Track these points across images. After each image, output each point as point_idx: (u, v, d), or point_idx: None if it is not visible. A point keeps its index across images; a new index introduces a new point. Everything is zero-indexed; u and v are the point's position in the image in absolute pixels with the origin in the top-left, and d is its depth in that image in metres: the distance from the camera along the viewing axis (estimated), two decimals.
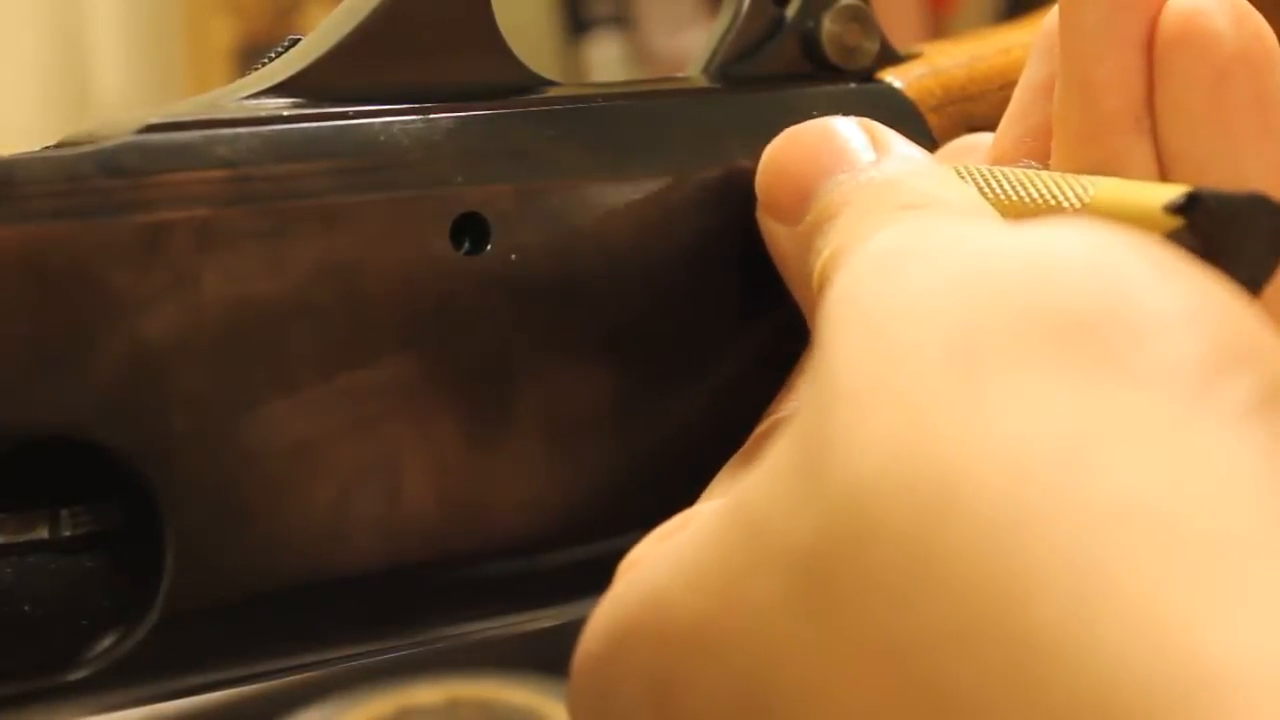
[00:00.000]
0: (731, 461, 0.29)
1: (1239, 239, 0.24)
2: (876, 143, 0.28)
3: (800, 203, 0.28)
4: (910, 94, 0.33)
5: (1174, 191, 0.25)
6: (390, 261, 0.28)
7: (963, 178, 0.28)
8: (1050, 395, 0.19)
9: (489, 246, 0.28)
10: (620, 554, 0.30)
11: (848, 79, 0.33)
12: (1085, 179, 0.26)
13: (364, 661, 0.30)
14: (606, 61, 1.41)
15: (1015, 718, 0.17)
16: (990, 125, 0.34)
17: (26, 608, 0.27)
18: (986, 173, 0.28)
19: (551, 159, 0.29)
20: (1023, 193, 0.27)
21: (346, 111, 0.28)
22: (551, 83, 0.31)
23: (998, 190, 0.27)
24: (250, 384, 0.26)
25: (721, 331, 0.31)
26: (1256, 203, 0.24)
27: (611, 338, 0.30)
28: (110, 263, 0.25)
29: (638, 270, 0.30)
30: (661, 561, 0.23)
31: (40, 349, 0.25)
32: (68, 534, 0.26)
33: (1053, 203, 0.26)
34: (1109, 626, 0.17)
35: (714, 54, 0.33)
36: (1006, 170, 0.28)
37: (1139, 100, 0.27)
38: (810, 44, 0.33)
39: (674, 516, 0.26)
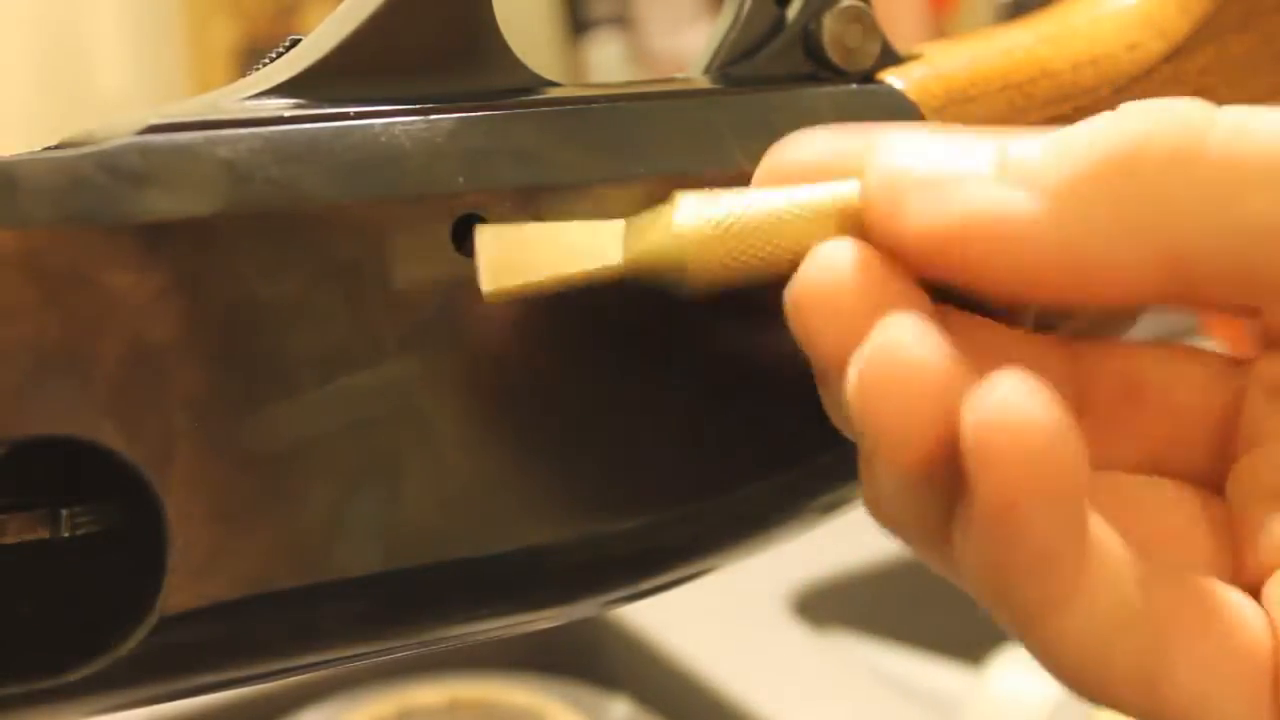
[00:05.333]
0: None
1: None
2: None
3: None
4: (911, 95, 0.33)
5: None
6: (390, 263, 0.28)
7: None
8: None
9: None
10: (620, 553, 0.30)
11: (849, 80, 0.33)
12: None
13: (364, 662, 0.30)
14: (607, 62, 1.41)
15: None
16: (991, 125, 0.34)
17: (26, 608, 0.27)
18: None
19: (552, 160, 0.29)
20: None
21: (347, 112, 0.28)
22: (552, 83, 0.31)
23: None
24: (250, 385, 0.26)
25: (722, 331, 0.31)
26: None
27: (612, 338, 0.30)
28: (110, 264, 0.25)
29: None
30: None
31: (40, 350, 0.25)
32: (67, 534, 0.26)
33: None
34: None
35: (715, 54, 0.33)
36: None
37: None
38: (811, 45, 0.33)
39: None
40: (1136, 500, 0.29)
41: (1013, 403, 0.23)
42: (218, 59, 1.35)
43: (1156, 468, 0.29)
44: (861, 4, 0.33)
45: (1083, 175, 0.26)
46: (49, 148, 0.27)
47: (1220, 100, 0.36)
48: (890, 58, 0.34)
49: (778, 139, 0.32)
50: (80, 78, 1.34)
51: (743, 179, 0.30)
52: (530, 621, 0.31)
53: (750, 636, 0.79)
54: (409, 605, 0.29)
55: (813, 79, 0.33)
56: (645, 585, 0.31)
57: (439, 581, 0.29)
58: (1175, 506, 0.29)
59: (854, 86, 0.33)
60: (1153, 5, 0.36)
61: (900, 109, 0.33)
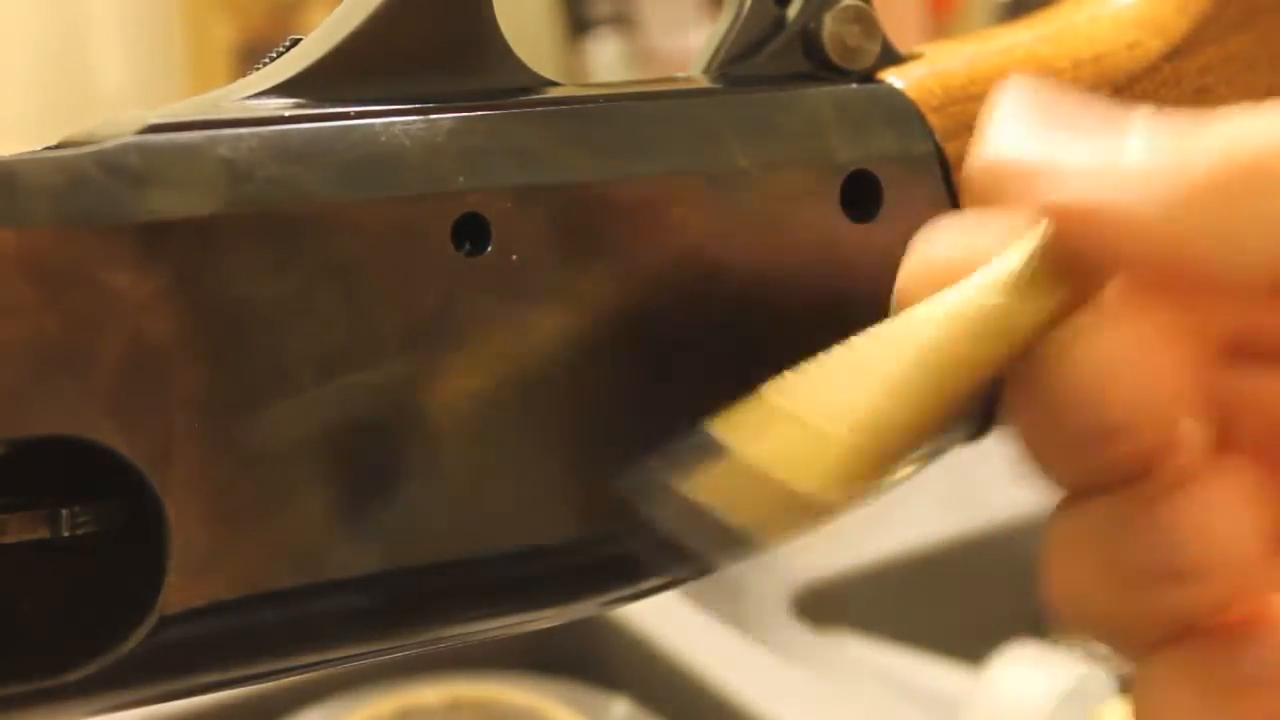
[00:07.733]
0: None
1: None
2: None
3: None
4: (911, 94, 0.33)
5: None
6: (390, 262, 0.28)
7: None
8: None
9: (489, 248, 0.28)
10: (620, 554, 0.30)
11: (849, 79, 0.33)
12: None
13: (364, 661, 0.30)
14: (607, 61, 1.41)
15: None
16: None
17: (26, 608, 0.27)
18: None
19: (553, 160, 0.29)
20: None
21: (348, 112, 0.28)
22: (553, 83, 0.31)
23: None
24: (250, 385, 0.26)
25: (723, 330, 0.31)
26: None
27: (611, 338, 0.30)
28: (110, 263, 0.25)
29: (638, 271, 0.30)
30: None
31: (40, 350, 0.25)
32: (68, 534, 0.26)
33: None
34: None
35: (715, 54, 0.33)
36: None
37: None
38: (811, 44, 0.33)
39: None
40: None
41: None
42: (218, 59, 1.35)
43: None
44: (862, 3, 0.34)
45: (1199, 184, 0.25)
46: (49, 147, 0.27)
47: (1220, 100, 0.36)
48: (890, 57, 0.34)
49: (778, 138, 0.32)
50: (80, 78, 1.34)
51: (741, 178, 0.30)
52: (530, 621, 0.31)
53: (750, 636, 0.79)
54: (409, 605, 0.29)
55: (813, 78, 0.33)
56: (645, 585, 0.31)
57: (439, 581, 0.29)
58: None
59: (854, 86, 0.33)
60: (1152, 4, 0.36)
61: (900, 108, 0.33)
